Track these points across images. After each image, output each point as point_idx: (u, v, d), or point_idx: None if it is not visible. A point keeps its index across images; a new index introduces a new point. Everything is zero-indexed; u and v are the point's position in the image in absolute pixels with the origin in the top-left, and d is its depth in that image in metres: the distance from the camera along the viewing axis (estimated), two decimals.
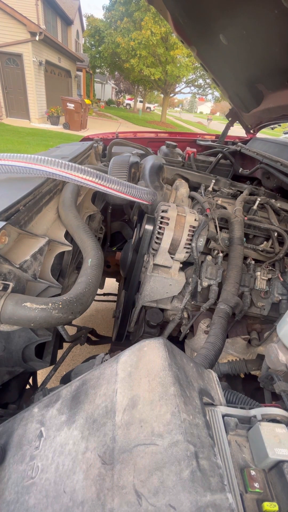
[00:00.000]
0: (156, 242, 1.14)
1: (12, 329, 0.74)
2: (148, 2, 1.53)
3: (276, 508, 0.38)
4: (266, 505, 0.38)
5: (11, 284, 0.72)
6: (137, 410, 0.39)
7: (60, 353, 1.32)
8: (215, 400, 0.51)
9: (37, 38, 10.97)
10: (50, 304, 0.71)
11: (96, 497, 0.33)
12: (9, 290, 0.71)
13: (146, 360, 0.45)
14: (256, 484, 0.41)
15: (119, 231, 2.15)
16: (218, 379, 0.57)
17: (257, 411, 0.51)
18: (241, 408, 0.53)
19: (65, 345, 1.40)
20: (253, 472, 0.42)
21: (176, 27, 1.62)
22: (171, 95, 23.00)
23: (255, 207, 1.33)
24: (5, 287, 0.71)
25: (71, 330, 1.46)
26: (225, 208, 1.30)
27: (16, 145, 8.23)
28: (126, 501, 0.31)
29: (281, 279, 1.16)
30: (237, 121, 2.39)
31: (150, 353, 0.46)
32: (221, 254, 1.19)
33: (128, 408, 0.40)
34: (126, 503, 0.31)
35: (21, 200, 0.89)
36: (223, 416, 0.49)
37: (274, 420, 0.51)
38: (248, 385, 1.23)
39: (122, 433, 0.37)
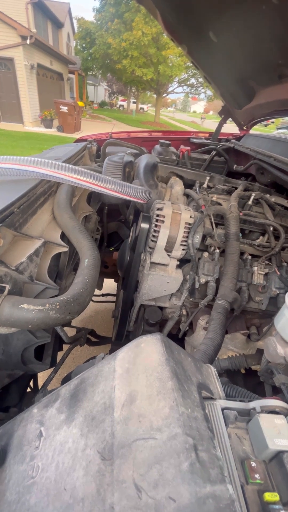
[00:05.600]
0: (152, 240, 1.14)
1: (10, 331, 0.74)
2: (137, 1, 1.53)
3: (277, 498, 0.38)
4: (267, 495, 0.38)
5: (7, 287, 0.72)
6: (136, 405, 0.39)
7: (60, 355, 1.32)
8: (214, 394, 0.51)
9: (28, 41, 10.96)
10: (47, 305, 0.71)
11: (96, 493, 0.33)
12: (6, 292, 0.70)
13: (144, 356, 0.45)
14: (256, 475, 0.41)
15: (116, 231, 2.15)
16: (217, 373, 0.57)
17: (256, 403, 0.51)
18: (240, 401, 0.53)
19: (65, 347, 1.40)
20: (253, 464, 0.42)
21: (166, 26, 1.62)
22: (164, 95, 23.04)
23: (250, 202, 1.34)
24: (1, 290, 0.71)
25: (71, 332, 1.46)
26: (220, 204, 1.30)
27: (10, 149, 8.21)
28: (126, 495, 0.31)
29: (278, 273, 1.16)
30: (230, 118, 2.40)
31: (148, 349, 0.47)
32: (217, 250, 1.20)
33: (127, 403, 0.40)
34: (126, 497, 0.31)
35: (15, 202, 0.89)
36: (223, 409, 0.49)
37: (273, 411, 0.51)
38: (249, 380, 1.24)
39: (121, 428, 0.37)
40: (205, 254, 1.20)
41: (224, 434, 0.44)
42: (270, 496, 0.38)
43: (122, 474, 0.33)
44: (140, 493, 0.31)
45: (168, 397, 0.39)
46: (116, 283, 2.46)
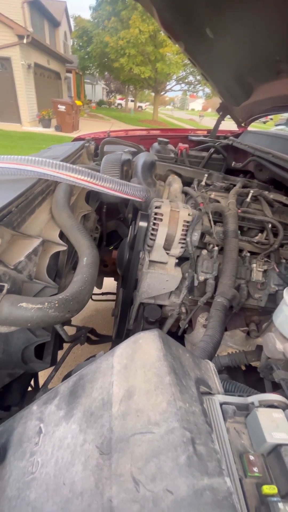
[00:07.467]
0: (151, 239, 1.15)
1: (9, 330, 0.74)
2: None
3: (275, 490, 0.39)
4: (265, 488, 0.39)
5: (6, 285, 0.72)
6: (133, 401, 0.39)
7: (61, 354, 1.33)
8: (213, 389, 0.51)
9: (24, 41, 10.90)
10: (46, 304, 0.71)
11: (95, 487, 0.34)
12: (4, 291, 0.71)
13: (141, 352, 0.46)
14: (255, 469, 0.41)
15: (115, 230, 2.15)
16: (215, 369, 0.57)
17: (255, 398, 0.51)
18: (239, 396, 0.53)
19: (66, 346, 1.40)
20: (252, 457, 0.42)
21: (162, 23, 1.62)
22: (162, 93, 22.97)
23: (248, 199, 1.34)
24: (0, 289, 0.71)
25: (71, 331, 1.46)
26: (218, 201, 1.30)
27: (8, 149, 8.20)
28: (124, 488, 0.31)
29: (277, 270, 1.17)
30: (229, 116, 2.39)
31: (145, 345, 0.47)
32: (216, 248, 1.20)
33: (125, 399, 0.40)
34: (124, 490, 0.31)
35: (13, 201, 0.89)
36: (221, 404, 0.49)
37: (272, 406, 0.51)
38: (249, 377, 1.24)
39: (119, 423, 0.38)
40: (204, 251, 1.20)
41: (223, 428, 0.44)
42: (268, 489, 0.39)
43: (120, 468, 0.33)
44: (138, 486, 0.31)
45: (165, 392, 0.39)
46: (115, 282, 2.47)
